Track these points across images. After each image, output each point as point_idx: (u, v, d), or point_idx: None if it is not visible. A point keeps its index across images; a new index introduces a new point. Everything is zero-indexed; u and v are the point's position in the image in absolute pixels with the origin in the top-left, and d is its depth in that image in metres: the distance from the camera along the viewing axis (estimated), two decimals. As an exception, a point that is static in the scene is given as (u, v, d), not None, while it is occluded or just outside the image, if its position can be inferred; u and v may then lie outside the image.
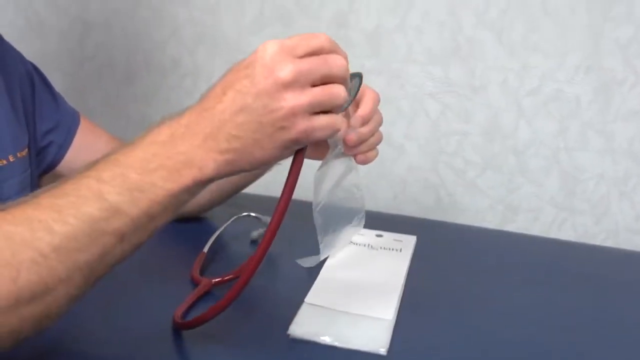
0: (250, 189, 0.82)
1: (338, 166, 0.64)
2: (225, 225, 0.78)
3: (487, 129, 1.02)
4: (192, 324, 0.55)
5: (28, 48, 1.13)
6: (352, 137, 0.60)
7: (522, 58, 0.98)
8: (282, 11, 1.06)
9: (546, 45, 0.97)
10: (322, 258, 0.70)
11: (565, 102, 0.98)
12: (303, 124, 0.47)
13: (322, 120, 0.48)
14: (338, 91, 0.49)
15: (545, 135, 1.00)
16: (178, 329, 0.57)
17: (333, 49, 0.49)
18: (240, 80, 0.47)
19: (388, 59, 1.03)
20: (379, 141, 0.63)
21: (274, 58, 0.47)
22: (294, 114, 0.47)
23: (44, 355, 0.53)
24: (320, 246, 0.68)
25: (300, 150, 0.51)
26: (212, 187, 0.75)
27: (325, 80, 0.49)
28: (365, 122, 0.61)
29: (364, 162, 0.63)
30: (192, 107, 0.49)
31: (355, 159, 0.63)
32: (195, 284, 0.66)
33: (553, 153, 1.01)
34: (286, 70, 0.46)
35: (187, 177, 0.47)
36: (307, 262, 0.70)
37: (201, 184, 0.48)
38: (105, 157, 0.47)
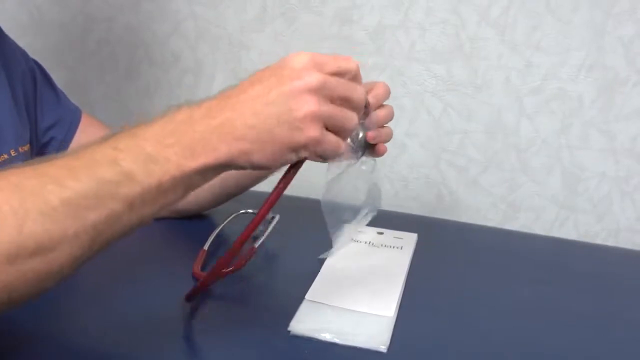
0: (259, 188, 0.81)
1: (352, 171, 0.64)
2: (225, 222, 0.77)
3: (489, 127, 1.02)
4: (212, 276, 0.56)
5: (30, 43, 1.14)
6: (372, 134, 0.61)
7: (525, 56, 0.98)
8: (285, 7, 1.06)
9: (549, 43, 0.96)
10: (337, 248, 0.69)
11: (567, 101, 0.98)
12: (316, 131, 0.48)
13: (332, 137, 0.50)
14: (352, 116, 0.51)
15: (548, 133, 1.00)
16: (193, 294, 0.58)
17: (358, 78, 0.52)
18: (267, 77, 0.49)
19: (391, 56, 1.03)
20: (391, 134, 0.64)
21: (304, 65, 0.49)
22: (311, 118, 0.48)
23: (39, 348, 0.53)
24: (332, 237, 0.68)
25: (295, 165, 0.52)
26: (214, 187, 0.76)
27: (343, 104, 0.50)
28: (378, 103, 0.62)
29: (382, 153, 0.63)
30: (214, 95, 0.50)
31: (375, 150, 0.63)
32: (197, 279, 0.66)
33: (555, 151, 1.01)
34: (314, 78, 0.48)
35: (201, 158, 0.47)
36: (326, 254, 0.70)
37: (212, 168, 0.48)
38: (122, 130, 0.48)
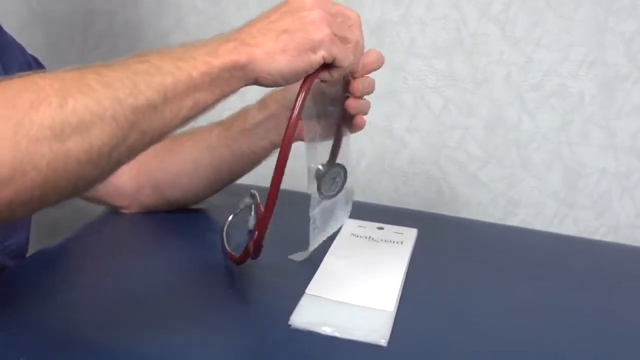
0: (248, 181, 0.81)
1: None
2: (231, 216, 0.77)
3: (489, 122, 1.02)
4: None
5: (32, 37, 1.14)
6: (352, 102, 0.63)
7: (526, 52, 0.98)
8: (286, 2, 1.06)
9: (550, 39, 0.96)
10: (311, 249, 0.69)
11: (568, 97, 0.98)
12: (329, 29, 0.54)
13: (342, 46, 0.55)
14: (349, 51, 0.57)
15: (548, 129, 1.00)
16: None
17: (358, 25, 0.59)
18: (276, 9, 0.55)
19: (391, 51, 1.03)
20: (369, 106, 0.66)
21: (311, 3, 0.54)
22: (321, 20, 0.54)
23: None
24: (310, 237, 0.68)
25: (309, 76, 0.55)
26: (208, 174, 0.76)
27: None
28: (365, 71, 0.64)
29: (361, 126, 0.66)
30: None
31: (354, 124, 0.65)
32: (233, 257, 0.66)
33: (555, 147, 1.01)
34: (319, 11, 0.54)
35: (225, 56, 0.51)
36: (298, 256, 0.70)
37: (237, 67, 0.51)
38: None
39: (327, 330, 0.56)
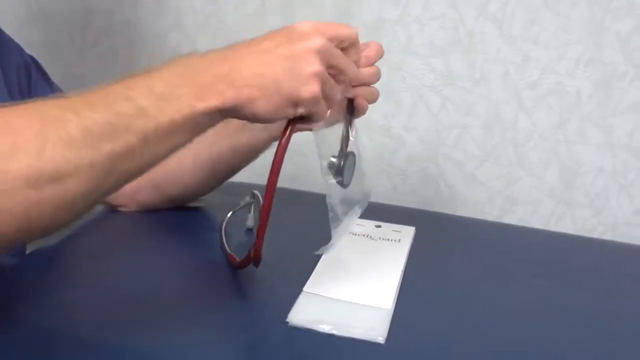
0: (244, 178, 0.82)
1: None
2: (229, 214, 0.77)
3: (487, 121, 1.03)
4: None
5: (29, 36, 1.14)
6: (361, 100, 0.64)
7: (523, 51, 0.98)
8: (284, 1, 1.06)
9: (547, 38, 0.97)
10: (334, 242, 0.69)
11: (565, 95, 0.98)
12: (318, 89, 0.52)
13: (324, 101, 0.54)
14: (339, 89, 0.56)
15: (545, 128, 1.01)
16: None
17: (356, 45, 0.57)
18: (275, 36, 0.53)
19: (389, 50, 1.03)
20: (377, 94, 0.67)
21: (309, 30, 0.52)
22: (316, 76, 0.52)
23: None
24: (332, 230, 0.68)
25: (292, 121, 0.55)
26: (207, 169, 0.76)
27: (335, 74, 0.54)
28: (369, 63, 0.64)
29: (362, 109, 0.65)
30: (220, 48, 0.53)
31: (355, 104, 0.65)
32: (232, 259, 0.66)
33: (552, 146, 1.01)
34: (319, 40, 0.52)
35: (210, 100, 0.49)
36: (323, 250, 0.70)
37: (220, 112, 0.50)
38: (131, 74, 0.50)
39: (324, 327, 0.56)
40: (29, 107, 0.45)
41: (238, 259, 0.65)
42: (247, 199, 0.77)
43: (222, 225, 0.73)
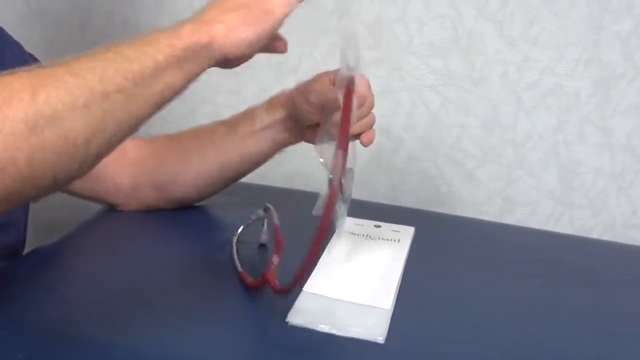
0: (252, 180, 0.82)
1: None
2: (240, 229, 0.74)
3: (486, 121, 1.03)
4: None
5: (29, 34, 1.14)
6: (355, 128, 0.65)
7: (522, 51, 0.98)
8: (284, 1, 1.06)
9: (546, 38, 0.97)
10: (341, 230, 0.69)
11: (564, 96, 0.99)
12: None
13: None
14: None
15: (544, 128, 1.01)
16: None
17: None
18: None
19: (388, 50, 1.03)
20: (374, 121, 0.69)
21: None
22: None
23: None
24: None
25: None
26: (213, 171, 0.76)
27: None
28: (362, 102, 0.65)
29: (368, 142, 0.68)
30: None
31: (360, 141, 0.67)
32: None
33: (552, 146, 1.01)
34: None
35: (187, 36, 0.52)
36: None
37: (201, 47, 0.52)
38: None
39: (324, 327, 0.56)
40: (17, 70, 0.47)
41: (249, 278, 0.64)
42: (260, 212, 0.74)
43: (233, 240, 0.72)
